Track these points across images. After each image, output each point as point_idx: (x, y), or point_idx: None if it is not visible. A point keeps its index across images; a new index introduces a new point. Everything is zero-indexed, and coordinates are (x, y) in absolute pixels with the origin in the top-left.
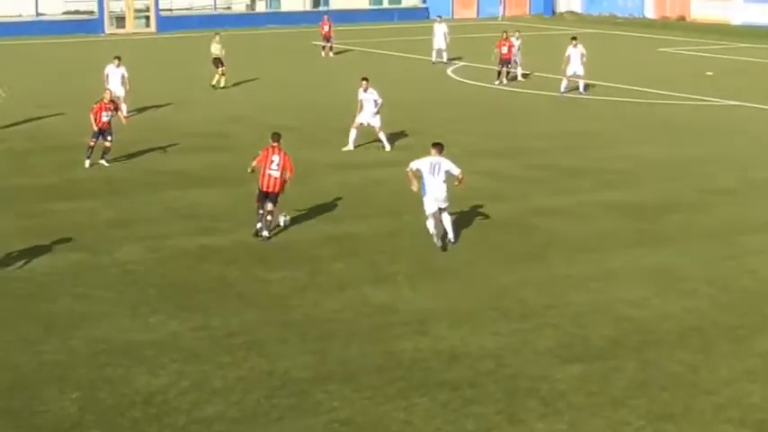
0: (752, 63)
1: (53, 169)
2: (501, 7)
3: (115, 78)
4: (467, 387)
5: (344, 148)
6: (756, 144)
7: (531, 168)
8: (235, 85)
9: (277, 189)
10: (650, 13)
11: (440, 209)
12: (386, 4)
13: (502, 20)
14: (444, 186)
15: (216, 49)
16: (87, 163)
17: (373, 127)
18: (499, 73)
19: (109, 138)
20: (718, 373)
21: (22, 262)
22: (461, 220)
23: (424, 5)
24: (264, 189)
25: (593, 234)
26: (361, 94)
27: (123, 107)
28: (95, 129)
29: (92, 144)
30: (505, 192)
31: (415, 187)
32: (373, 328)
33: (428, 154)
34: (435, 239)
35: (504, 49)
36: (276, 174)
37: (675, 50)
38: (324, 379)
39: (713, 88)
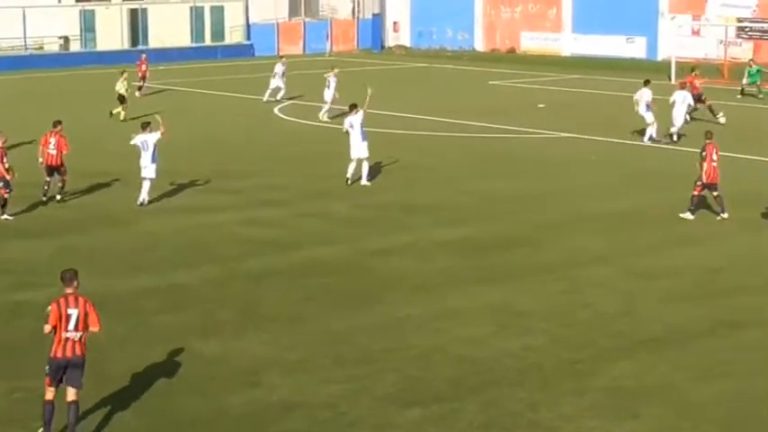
0: (582, 94)
1: None
2: (328, 43)
3: None
4: None
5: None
6: (588, 176)
7: (364, 208)
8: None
9: (57, 163)
10: (480, 46)
11: (359, 158)
12: (209, 42)
13: (329, 56)
14: (360, 139)
15: (119, 86)
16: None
17: None
18: None
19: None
20: (558, 410)
21: None
22: (293, 268)
23: (248, 42)
24: (48, 164)
25: (432, 273)
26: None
27: None
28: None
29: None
30: (338, 234)
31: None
32: (201, 381)
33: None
34: (348, 178)
35: None
36: (53, 151)
37: (506, 83)
38: None
39: (545, 120)
